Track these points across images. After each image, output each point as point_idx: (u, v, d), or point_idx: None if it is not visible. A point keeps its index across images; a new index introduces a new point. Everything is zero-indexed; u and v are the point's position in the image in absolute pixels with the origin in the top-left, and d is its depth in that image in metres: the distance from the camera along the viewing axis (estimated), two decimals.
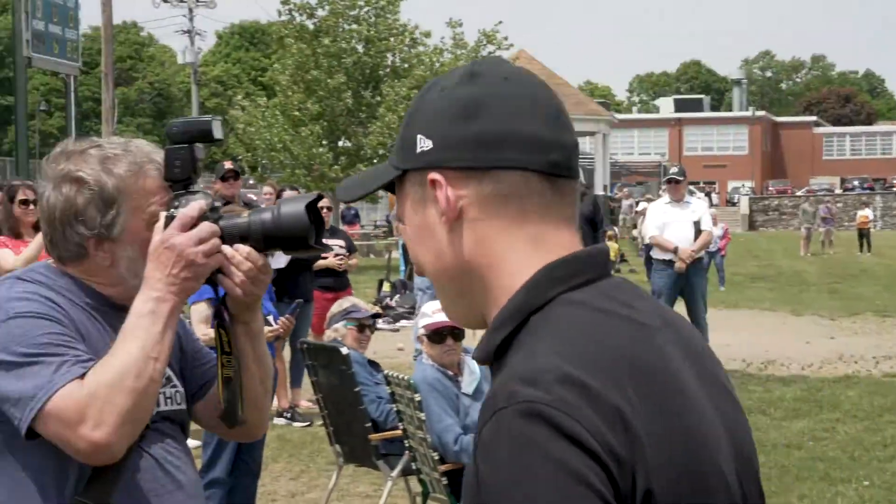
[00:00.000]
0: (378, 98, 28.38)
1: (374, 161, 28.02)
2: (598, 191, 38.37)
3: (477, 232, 1.39)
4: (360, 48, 29.03)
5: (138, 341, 2.06)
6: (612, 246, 21.63)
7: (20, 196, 7.53)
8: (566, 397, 1.21)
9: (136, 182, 2.21)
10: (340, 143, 29.01)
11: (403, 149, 1.44)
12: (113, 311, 2.26)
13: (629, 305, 1.38)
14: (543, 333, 1.31)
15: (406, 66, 29.27)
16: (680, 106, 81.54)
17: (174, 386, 2.34)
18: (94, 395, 2.01)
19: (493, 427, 1.22)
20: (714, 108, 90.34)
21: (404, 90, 27.77)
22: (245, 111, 29.20)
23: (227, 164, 9.29)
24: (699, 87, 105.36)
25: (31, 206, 7.55)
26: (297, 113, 27.95)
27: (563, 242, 1.40)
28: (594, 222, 12.10)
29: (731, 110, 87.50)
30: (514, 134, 1.38)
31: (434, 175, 1.39)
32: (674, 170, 12.03)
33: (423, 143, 1.41)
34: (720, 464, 1.32)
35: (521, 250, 1.39)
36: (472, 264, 1.40)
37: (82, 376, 2.04)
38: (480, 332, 1.43)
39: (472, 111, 1.39)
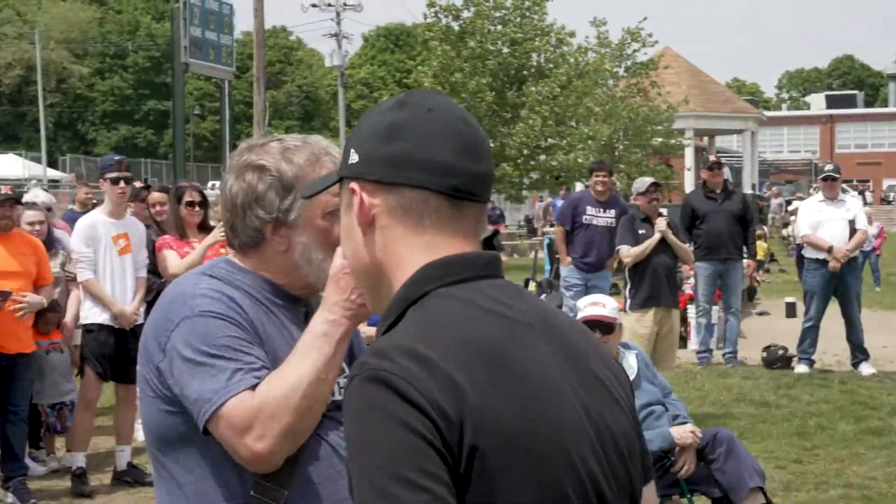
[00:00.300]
0: (523, 98, 28.35)
1: (518, 161, 28.06)
2: (747, 189, 37.64)
3: (385, 237, 1.67)
4: (505, 49, 29.07)
5: (310, 361, 2.18)
6: (762, 246, 21.21)
7: (187, 198, 7.84)
8: (407, 366, 1.48)
9: (314, 171, 2.33)
10: None
11: (343, 159, 1.73)
12: (289, 304, 2.38)
13: (503, 303, 1.61)
14: (410, 319, 1.58)
15: (551, 66, 29.20)
16: (832, 102, 79.15)
17: (347, 376, 2.45)
18: (263, 409, 2.14)
19: (349, 392, 1.51)
20: (868, 105, 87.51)
21: (547, 89, 27.71)
22: None
23: None
24: (852, 83, 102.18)
25: (197, 208, 7.86)
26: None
27: (454, 251, 1.64)
28: (744, 220, 11.91)
29: (886, 106, 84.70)
30: (420, 158, 1.63)
31: (354, 185, 1.68)
32: (829, 167, 11.78)
33: (353, 157, 1.69)
34: (568, 448, 1.54)
35: (416, 255, 1.64)
36: (381, 264, 1.68)
37: (254, 387, 2.16)
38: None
39: (392, 134, 1.64)
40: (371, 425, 1.47)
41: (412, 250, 1.65)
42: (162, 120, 72.69)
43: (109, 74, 72.43)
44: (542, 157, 28.60)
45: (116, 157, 7.91)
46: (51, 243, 8.02)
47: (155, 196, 8.81)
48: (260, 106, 30.28)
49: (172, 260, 7.57)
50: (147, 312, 8.02)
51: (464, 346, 1.53)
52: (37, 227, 7.94)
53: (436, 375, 1.48)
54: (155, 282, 8.13)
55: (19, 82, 64.76)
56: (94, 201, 11.76)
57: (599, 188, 11.35)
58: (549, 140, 28.45)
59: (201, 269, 2.41)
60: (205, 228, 7.80)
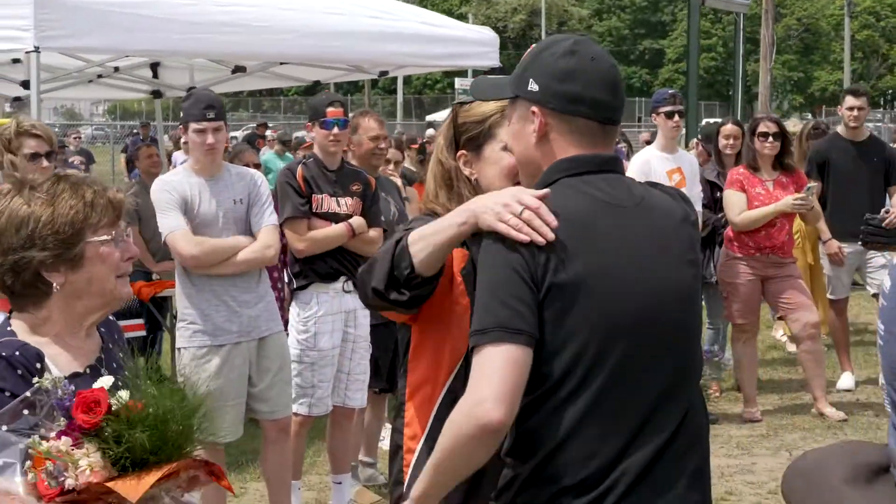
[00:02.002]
0: None
1: None
2: None
3: (550, 145, 2.43)
4: None
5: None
6: None
7: (761, 128, 7.66)
8: None
9: None
10: None
11: (519, 83, 2.45)
12: None
13: (607, 192, 2.39)
14: None
15: None
16: None
17: None
18: None
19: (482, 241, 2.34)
20: None
21: None
22: None
23: None
24: None
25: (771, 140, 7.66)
26: None
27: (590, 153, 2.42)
28: None
29: None
30: (586, 97, 2.38)
31: (535, 108, 2.41)
32: None
33: (532, 85, 2.41)
34: (626, 297, 2.31)
35: (564, 156, 2.42)
36: (542, 161, 2.44)
37: None
38: None
39: (566, 77, 2.38)
40: (486, 263, 2.31)
41: (565, 153, 2.42)
42: (657, 59, 72.79)
43: (608, 15, 73.57)
44: None
45: (671, 91, 7.79)
46: None
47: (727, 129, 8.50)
48: (768, 39, 29.42)
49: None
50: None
51: (565, 216, 2.29)
52: None
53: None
54: (711, 217, 7.97)
55: (524, 26, 67.43)
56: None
57: None
58: None
59: None
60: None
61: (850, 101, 8.56)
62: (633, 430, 2.30)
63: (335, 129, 5.79)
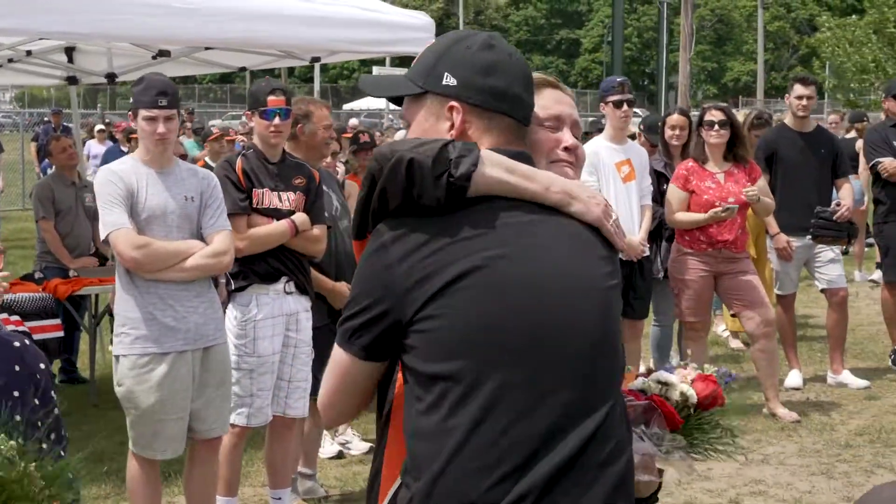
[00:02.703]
0: None
1: None
2: None
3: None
4: None
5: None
6: None
7: (706, 118, 7.39)
8: None
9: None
10: None
11: (429, 77, 2.26)
12: None
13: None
14: None
15: None
16: None
17: None
18: None
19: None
20: None
21: None
22: (831, 32, 27.71)
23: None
24: None
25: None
26: (893, 29, 25.99)
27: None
28: None
29: None
30: (511, 94, 2.25)
31: (454, 103, 2.23)
32: None
33: (449, 80, 2.24)
34: (533, 286, 2.13)
35: None
36: None
37: None
38: None
39: (489, 71, 2.23)
40: (368, 252, 2.22)
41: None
42: (573, 49, 73.08)
43: (524, 5, 73.59)
44: None
45: (619, 79, 7.48)
46: None
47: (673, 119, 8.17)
48: (688, 30, 29.36)
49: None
50: (656, 245, 7.72)
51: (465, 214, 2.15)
52: None
53: None
54: (658, 210, 7.68)
55: (441, 15, 67.11)
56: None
57: None
58: None
59: None
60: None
61: (798, 89, 8.31)
62: (533, 448, 2.07)
63: (276, 120, 5.40)
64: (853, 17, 29.48)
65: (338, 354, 2.23)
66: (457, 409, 2.08)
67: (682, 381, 2.62)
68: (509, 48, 2.32)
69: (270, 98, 5.39)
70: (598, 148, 7.32)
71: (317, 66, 17.32)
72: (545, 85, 2.48)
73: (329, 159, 7.02)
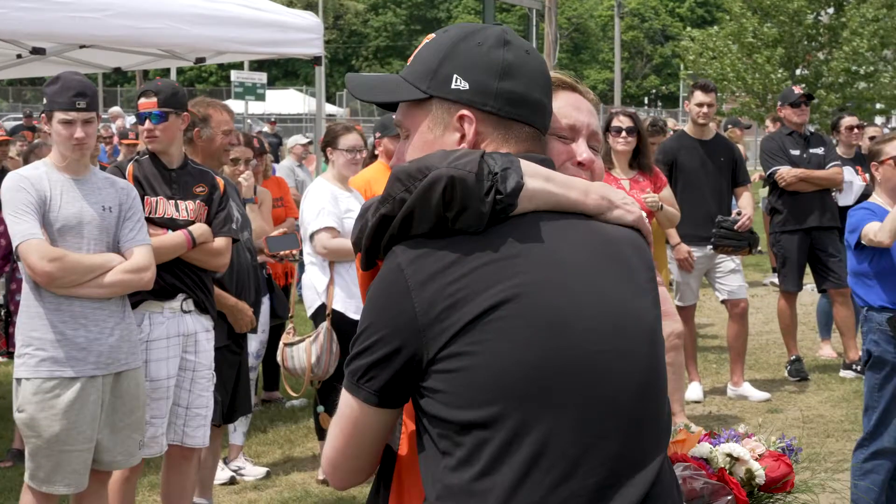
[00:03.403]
0: (843, 19, 26.42)
1: (835, 89, 26.23)
2: None
3: None
4: None
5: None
6: None
7: (614, 123, 7.16)
8: None
9: None
10: (798, 72, 27.28)
11: (434, 80, 1.93)
12: None
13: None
14: None
15: None
16: None
17: None
18: None
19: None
20: None
21: (871, 12, 25.69)
22: (695, 41, 28.22)
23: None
24: None
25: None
26: (751, 40, 26.59)
27: None
28: None
29: None
30: (531, 99, 1.93)
31: (466, 112, 1.91)
32: None
33: (459, 84, 1.91)
34: (577, 318, 1.79)
35: None
36: None
37: None
38: None
39: (506, 73, 1.91)
40: (380, 282, 1.88)
41: None
42: None
43: (383, 10, 73.34)
44: (862, 84, 26.63)
45: None
46: None
47: None
48: (551, 37, 29.47)
49: None
50: None
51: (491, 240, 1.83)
52: None
53: None
54: None
55: None
56: None
57: None
58: (871, 66, 26.44)
59: None
60: None
61: (699, 96, 8.18)
62: None
63: (147, 124, 4.99)
64: (714, 27, 30.10)
65: (345, 402, 1.88)
66: (497, 464, 1.75)
67: (752, 457, 2.30)
68: (525, 44, 1.99)
69: (141, 101, 5.05)
70: None
71: (173, 67, 16.71)
72: (562, 86, 2.15)
73: (243, 166, 6.62)
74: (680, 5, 71.27)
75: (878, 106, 28.07)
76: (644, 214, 2.01)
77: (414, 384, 1.81)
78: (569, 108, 2.12)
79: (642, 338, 1.87)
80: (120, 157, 13.66)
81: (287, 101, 50.43)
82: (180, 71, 52.12)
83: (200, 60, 8.24)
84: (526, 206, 1.84)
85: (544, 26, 30.40)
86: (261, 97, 19.51)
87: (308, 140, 13.84)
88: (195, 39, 7.27)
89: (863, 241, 5.08)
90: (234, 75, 19.49)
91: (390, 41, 73.64)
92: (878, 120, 29.65)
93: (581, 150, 2.11)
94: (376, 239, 1.85)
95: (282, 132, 29.37)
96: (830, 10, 27.23)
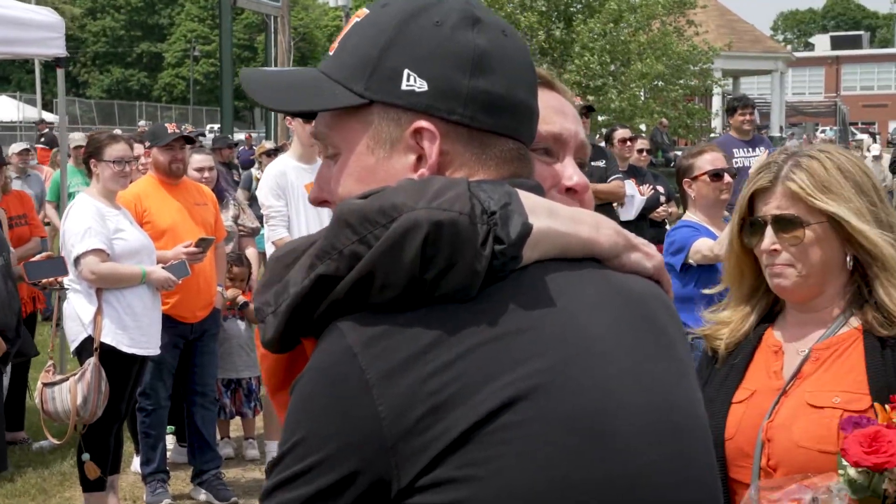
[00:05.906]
0: (573, 35, 27.22)
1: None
2: (774, 132, 36.70)
3: None
4: None
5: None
6: None
7: None
8: None
9: None
10: None
11: (375, 76, 1.31)
12: None
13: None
14: None
15: (598, 0, 28.00)
16: (837, 43, 77.94)
17: None
18: None
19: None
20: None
21: (598, 26, 26.57)
22: None
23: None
24: (847, 24, 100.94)
25: None
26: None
27: None
28: None
29: (888, 46, 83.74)
30: (512, 102, 1.33)
31: (425, 124, 1.30)
32: None
33: (414, 82, 1.30)
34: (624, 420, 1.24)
35: None
36: None
37: None
38: None
39: (479, 65, 1.30)
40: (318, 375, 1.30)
41: None
42: (155, 62, 70.96)
43: (101, 15, 70.54)
44: (591, 97, 27.45)
45: None
46: (220, 193, 6.85)
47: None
48: (285, 45, 28.91)
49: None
50: None
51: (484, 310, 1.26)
52: (206, 175, 6.75)
53: None
54: None
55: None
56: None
57: (746, 127, 10.35)
58: (601, 80, 27.36)
59: None
60: None
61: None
62: None
63: None
64: None
65: None
66: None
67: None
68: (500, 21, 1.37)
69: None
70: (286, 168, 6.45)
71: None
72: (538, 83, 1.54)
73: None
74: None
75: (600, 118, 29.07)
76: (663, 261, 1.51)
77: None
78: (550, 111, 1.53)
79: (699, 437, 1.35)
80: None
81: (1, 107, 47.60)
82: None
83: None
84: (529, 255, 1.28)
85: (279, 35, 29.78)
86: None
87: (24, 146, 12.19)
88: None
89: (690, 260, 4.79)
90: None
91: (111, 47, 71.05)
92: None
93: (569, 170, 1.56)
94: (305, 309, 1.24)
95: None
96: (562, 25, 27.99)
